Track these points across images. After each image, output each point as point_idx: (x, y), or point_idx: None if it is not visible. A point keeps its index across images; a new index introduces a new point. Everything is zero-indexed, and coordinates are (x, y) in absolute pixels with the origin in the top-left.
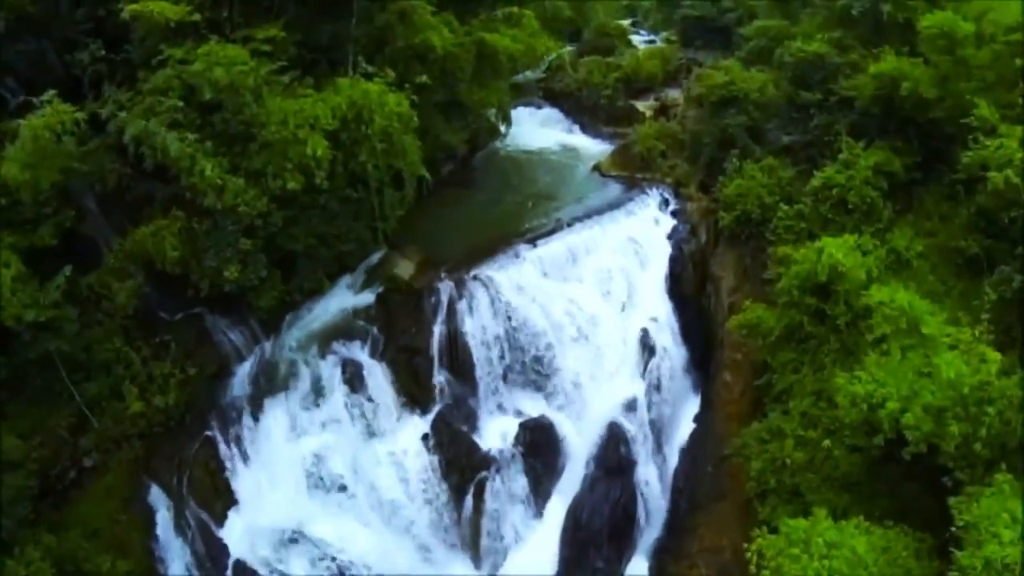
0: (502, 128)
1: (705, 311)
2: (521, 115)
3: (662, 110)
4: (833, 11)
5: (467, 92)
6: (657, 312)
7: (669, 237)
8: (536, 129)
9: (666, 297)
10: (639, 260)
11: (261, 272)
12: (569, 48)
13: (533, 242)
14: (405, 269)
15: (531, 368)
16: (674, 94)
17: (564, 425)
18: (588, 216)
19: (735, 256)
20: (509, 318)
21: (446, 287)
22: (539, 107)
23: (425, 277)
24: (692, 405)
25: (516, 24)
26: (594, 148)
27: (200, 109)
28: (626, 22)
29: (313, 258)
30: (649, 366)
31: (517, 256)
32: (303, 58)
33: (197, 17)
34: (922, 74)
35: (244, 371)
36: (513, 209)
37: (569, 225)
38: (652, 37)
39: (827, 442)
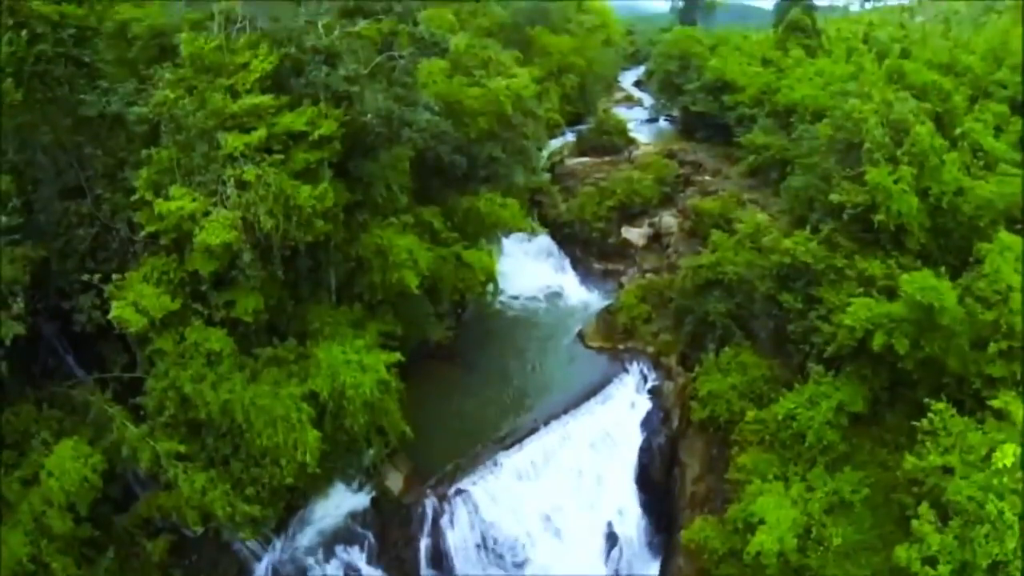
0: (489, 293)
1: (671, 492)
2: (512, 245)
3: (656, 238)
4: (826, 205)
5: (449, 281)
6: (623, 504)
7: (642, 425)
8: (527, 265)
9: (634, 486)
10: (610, 453)
11: (271, 525)
12: (570, 138)
13: (511, 447)
14: (395, 482)
15: (506, 561)
16: (669, 219)
17: None
18: (564, 411)
19: (703, 444)
20: (486, 527)
21: (430, 503)
22: (531, 235)
23: (412, 492)
24: (652, 572)
25: (502, 206)
26: (582, 298)
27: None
28: (630, 78)
29: (314, 481)
30: (611, 554)
31: (495, 464)
32: (283, 303)
33: (179, 303)
34: (898, 318)
35: (260, 572)
36: (494, 403)
37: (545, 424)
38: (655, 117)
39: None
